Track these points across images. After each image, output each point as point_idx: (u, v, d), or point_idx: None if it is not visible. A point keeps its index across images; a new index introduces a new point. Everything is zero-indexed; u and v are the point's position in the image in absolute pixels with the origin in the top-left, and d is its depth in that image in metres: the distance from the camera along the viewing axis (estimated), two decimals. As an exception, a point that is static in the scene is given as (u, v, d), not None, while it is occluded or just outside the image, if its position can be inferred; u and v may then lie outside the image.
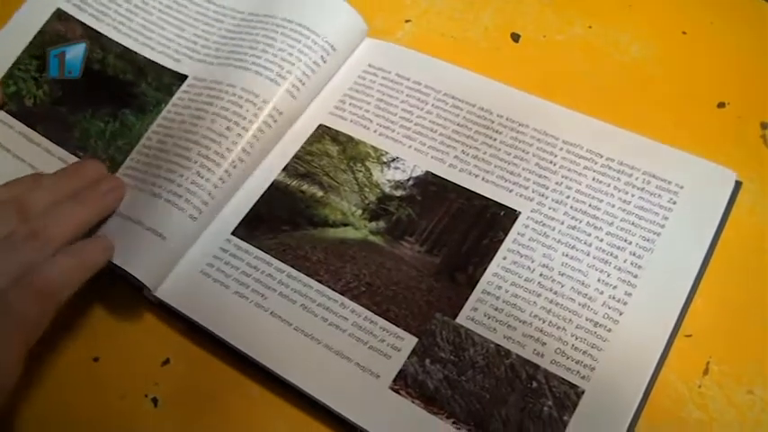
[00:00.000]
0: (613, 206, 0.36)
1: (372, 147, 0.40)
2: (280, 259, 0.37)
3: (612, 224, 0.35)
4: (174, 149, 0.40)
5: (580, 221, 0.36)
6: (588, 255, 0.35)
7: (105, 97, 0.43)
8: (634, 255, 0.34)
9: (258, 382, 0.35)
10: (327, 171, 0.40)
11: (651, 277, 0.34)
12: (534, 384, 0.32)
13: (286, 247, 0.38)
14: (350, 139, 0.41)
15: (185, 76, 0.43)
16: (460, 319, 0.34)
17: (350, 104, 0.42)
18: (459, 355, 0.33)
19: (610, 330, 0.33)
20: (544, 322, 0.33)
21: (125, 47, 0.45)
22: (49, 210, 0.35)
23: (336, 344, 0.34)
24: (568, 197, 0.37)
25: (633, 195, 0.36)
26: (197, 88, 0.42)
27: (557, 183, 0.37)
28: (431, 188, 0.39)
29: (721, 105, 0.40)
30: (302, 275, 0.36)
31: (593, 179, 0.37)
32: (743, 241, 0.36)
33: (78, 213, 0.35)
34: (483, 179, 0.38)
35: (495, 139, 0.39)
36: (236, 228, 0.39)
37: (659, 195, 0.36)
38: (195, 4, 0.46)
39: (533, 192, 0.37)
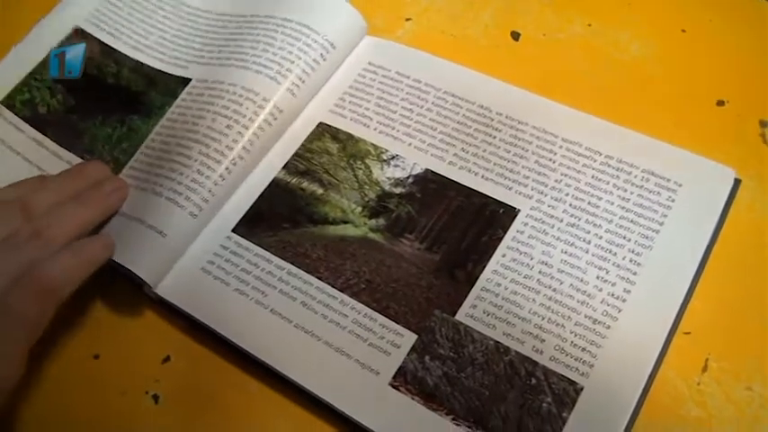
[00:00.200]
0: (612, 204, 0.36)
1: (372, 144, 0.41)
2: (280, 256, 0.37)
3: (611, 221, 0.36)
4: (176, 149, 0.40)
5: (579, 219, 0.36)
6: (587, 252, 0.35)
7: (116, 105, 0.44)
8: (633, 252, 0.35)
9: (258, 378, 0.35)
10: (327, 169, 0.40)
11: (650, 274, 0.34)
12: (533, 381, 0.32)
13: (286, 245, 0.38)
14: (350, 136, 0.41)
15: (189, 80, 0.44)
16: (460, 316, 0.34)
17: (350, 102, 0.42)
18: (459, 351, 0.33)
19: (609, 327, 0.33)
20: (543, 319, 0.33)
21: (138, 61, 0.46)
22: (52, 210, 0.35)
23: (336, 341, 0.34)
24: (567, 195, 0.37)
25: (632, 193, 0.36)
26: (199, 89, 0.42)
27: (556, 180, 0.37)
28: (430, 186, 0.39)
29: (720, 103, 0.40)
30: (302, 273, 0.37)
31: (593, 177, 0.37)
32: (742, 239, 0.36)
33: (81, 213, 0.36)
34: (482, 177, 0.38)
35: (494, 137, 0.39)
36: (236, 225, 0.39)
37: (658, 193, 0.36)
38: (206, 18, 0.47)
39: (533, 189, 0.37)
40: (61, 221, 0.34)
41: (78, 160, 0.42)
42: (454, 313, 0.34)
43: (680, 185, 0.36)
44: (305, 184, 0.40)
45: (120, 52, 0.46)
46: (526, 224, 0.36)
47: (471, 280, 0.35)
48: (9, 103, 0.44)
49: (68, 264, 0.33)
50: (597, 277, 0.34)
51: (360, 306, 0.35)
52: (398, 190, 0.39)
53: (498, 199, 0.37)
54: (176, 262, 0.37)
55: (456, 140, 0.40)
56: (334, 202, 0.39)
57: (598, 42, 0.44)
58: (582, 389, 0.31)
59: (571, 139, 0.39)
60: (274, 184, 0.40)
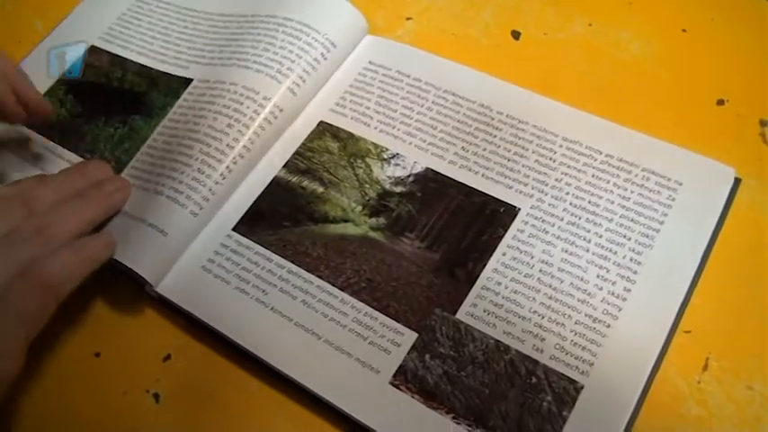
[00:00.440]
0: (613, 203, 0.36)
1: (373, 143, 0.41)
2: (280, 255, 0.37)
3: (612, 220, 0.36)
4: (177, 149, 0.40)
5: (579, 218, 0.36)
6: (587, 251, 0.35)
7: (119, 106, 0.44)
8: (633, 251, 0.35)
9: (259, 377, 0.35)
10: (328, 167, 0.40)
11: (650, 273, 0.34)
12: (533, 380, 0.32)
13: (286, 243, 0.38)
14: (350, 135, 0.41)
15: (191, 80, 0.44)
16: (460, 315, 0.34)
17: (350, 101, 0.42)
18: (459, 350, 0.33)
19: (609, 326, 0.33)
20: (543, 318, 0.33)
21: (142, 65, 0.46)
22: (54, 207, 0.35)
23: (337, 339, 0.34)
24: (568, 194, 0.37)
25: (632, 192, 0.36)
26: (200, 89, 0.43)
27: (556, 179, 0.37)
28: (431, 185, 0.39)
29: (721, 103, 0.40)
30: (303, 271, 0.37)
31: (593, 176, 0.37)
32: (742, 237, 0.36)
33: (83, 212, 0.36)
34: (483, 176, 0.38)
35: (495, 136, 0.39)
36: (236, 224, 0.39)
37: (659, 192, 0.36)
38: (208, 19, 0.47)
39: (533, 188, 0.37)
40: (63, 219, 0.35)
41: (79, 159, 0.42)
42: (455, 312, 0.34)
43: (680, 184, 0.36)
44: (305, 183, 0.40)
45: (127, 59, 0.47)
46: (526, 223, 0.36)
47: (471, 279, 0.35)
48: None
49: (69, 261, 0.33)
50: (597, 276, 0.34)
51: (360, 305, 0.35)
52: (399, 189, 0.39)
53: (498, 198, 0.37)
54: (177, 261, 0.37)
55: (456, 139, 0.40)
56: (335, 201, 0.39)
57: (599, 42, 0.44)
58: (582, 387, 0.31)
59: (571, 138, 0.39)
60: (275, 183, 0.40)
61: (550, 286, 0.34)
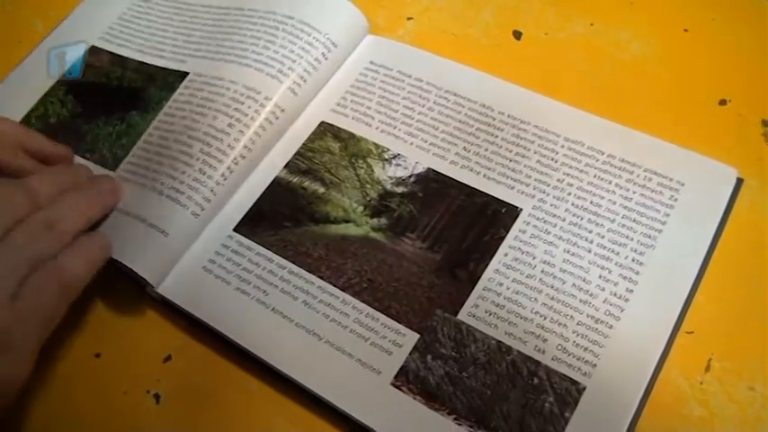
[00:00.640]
0: (615, 203, 0.36)
1: (374, 144, 0.41)
2: (281, 256, 0.37)
3: (614, 221, 0.36)
4: (175, 146, 0.40)
5: (581, 218, 0.36)
6: (589, 252, 0.35)
7: (118, 104, 0.44)
8: (635, 251, 0.34)
9: (260, 378, 0.35)
10: (329, 168, 0.40)
11: (652, 274, 0.34)
12: (535, 381, 0.32)
13: (287, 244, 0.38)
14: (351, 135, 0.41)
15: (186, 73, 0.43)
16: (462, 316, 0.34)
17: (351, 101, 0.42)
18: (461, 351, 0.33)
19: (611, 327, 0.33)
20: (545, 319, 0.33)
21: (141, 61, 0.46)
22: (56, 199, 0.35)
23: (338, 340, 0.34)
24: (570, 194, 0.37)
25: (634, 192, 0.36)
26: (197, 84, 0.42)
27: (558, 180, 0.37)
28: (432, 185, 0.39)
29: (723, 103, 0.40)
30: (304, 272, 0.37)
31: (595, 176, 0.37)
32: (744, 238, 0.36)
33: (84, 207, 0.35)
34: (484, 176, 0.38)
35: (496, 137, 0.39)
36: (237, 224, 0.39)
37: (660, 192, 0.36)
38: (206, 12, 0.47)
39: (535, 189, 0.37)
40: (69, 213, 0.34)
41: (79, 160, 0.42)
42: (456, 313, 0.34)
43: (682, 185, 0.36)
44: (306, 184, 0.40)
45: (126, 58, 0.47)
46: (528, 223, 0.36)
47: (473, 279, 0.35)
48: (26, 121, 0.45)
49: (81, 261, 0.33)
50: (599, 277, 0.34)
51: (361, 305, 0.35)
52: (400, 189, 0.39)
53: (500, 198, 0.37)
54: (178, 261, 0.37)
55: (458, 140, 0.40)
56: (336, 202, 0.39)
57: (600, 42, 0.44)
58: (584, 389, 0.31)
59: (573, 139, 0.38)
60: (276, 184, 0.40)
61: (552, 287, 0.34)
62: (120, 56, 0.47)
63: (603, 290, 0.34)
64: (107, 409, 0.35)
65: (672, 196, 0.36)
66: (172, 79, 0.44)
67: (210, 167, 0.38)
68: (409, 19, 0.47)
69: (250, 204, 0.39)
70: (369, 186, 0.39)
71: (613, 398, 0.31)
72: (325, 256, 0.37)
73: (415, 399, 0.32)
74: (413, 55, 0.44)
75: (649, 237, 0.35)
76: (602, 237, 0.35)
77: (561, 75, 0.43)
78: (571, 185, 0.37)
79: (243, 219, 0.39)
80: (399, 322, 0.34)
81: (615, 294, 0.33)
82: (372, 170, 0.40)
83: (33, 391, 0.36)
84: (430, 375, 0.33)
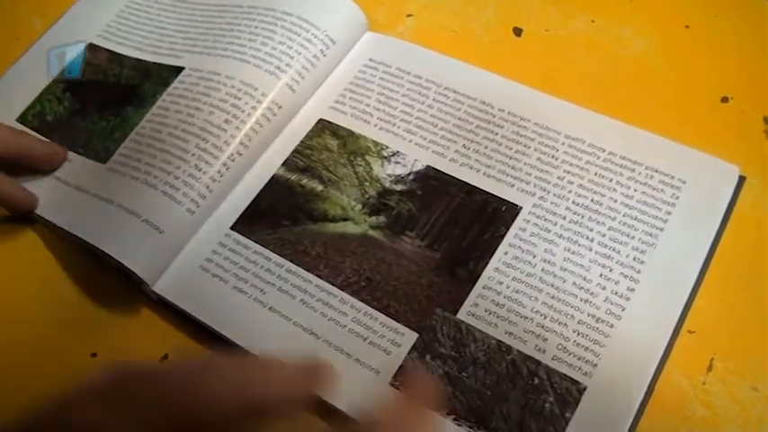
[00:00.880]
0: (616, 201, 0.36)
1: (373, 141, 0.40)
2: (279, 254, 0.37)
3: (615, 219, 0.35)
4: (169, 139, 0.39)
5: (582, 216, 0.36)
6: (590, 250, 0.34)
7: (114, 100, 0.44)
8: (636, 250, 0.34)
9: (257, 377, 0.34)
10: (327, 165, 0.40)
11: (654, 273, 0.33)
12: (536, 381, 0.32)
13: (285, 242, 0.37)
14: (350, 133, 0.41)
15: (182, 68, 0.43)
16: (461, 315, 0.34)
17: (350, 99, 0.42)
18: (460, 350, 0.33)
19: (612, 326, 0.32)
20: (546, 318, 0.33)
21: (138, 59, 0.46)
22: None
23: (336, 339, 0.34)
24: (570, 192, 0.36)
25: (636, 190, 0.36)
26: (193, 78, 0.42)
27: (558, 177, 0.37)
28: (431, 183, 0.38)
29: (725, 100, 0.40)
30: (302, 270, 0.36)
31: (596, 174, 0.37)
32: (746, 236, 0.35)
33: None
34: (484, 174, 0.38)
35: (496, 134, 0.39)
36: (235, 222, 0.38)
37: (662, 190, 0.36)
38: (203, 9, 0.47)
39: (535, 186, 0.37)
40: None
41: (73, 155, 0.42)
42: (455, 312, 0.34)
43: (684, 182, 0.36)
44: (304, 181, 0.40)
45: (124, 55, 0.46)
46: (528, 222, 0.36)
47: (473, 278, 0.35)
48: (23, 119, 0.45)
49: None
50: (600, 275, 0.34)
51: (360, 304, 0.35)
52: (399, 187, 0.39)
53: (500, 196, 0.37)
54: (174, 259, 0.37)
55: (457, 137, 0.39)
56: (334, 200, 0.39)
57: (601, 38, 0.43)
58: (585, 389, 0.31)
59: (574, 136, 0.38)
60: (274, 181, 0.40)
61: (553, 286, 0.34)
62: (117, 53, 0.46)
63: (604, 289, 0.33)
64: (103, 409, 0.35)
65: (673, 194, 0.35)
66: (167, 74, 0.44)
67: (206, 163, 0.38)
68: (409, 16, 0.46)
69: (247, 202, 0.39)
70: (367, 184, 0.39)
71: (614, 398, 0.31)
72: (323, 255, 0.37)
73: (413, 399, 0.32)
74: (412, 52, 0.43)
75: (650, 235, 0.34)
76: (603, 235, 0.35)
77: (562, 72, 0.42)
78: (572, 183, 0.37)
79: (240, 217, 0.38)
80: (398, 321, 0.34)
81: (616, 293, 0.33)
82: (371, 168, 0.39)
83: (29, 392, 0.36)
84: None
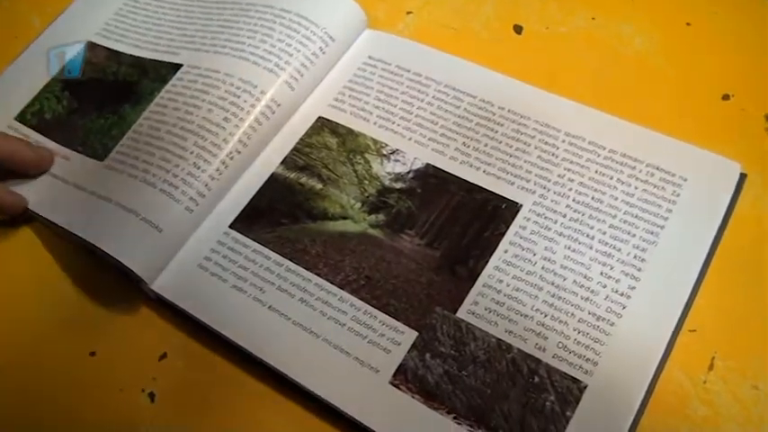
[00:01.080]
0: (616, 199, 0.36)
1: (372, 139, 0.40)
2: (278, 252, 0.37)
3: (615, 217, 0.35)
4: (167, 137, 0.39)
5: (583, 214, 0.35)
6: (591, 248, 0.34)
7: (112, 98, 0.44)
8: (637, 248, 0.34)
9: (256, 376, 0.34)
10: (326, 163, 0.40)
11: (654, 271, 0.33)
12: (536, 379, 0.31)
13: (284, 241, 0.37)
14: (349, 131, 0.41)
15: (180, 65, 0.43)
16: (461, 313, 0.33)
17: (349, 96, 0.42)
18: (460, 349, 0.33)
19: (613, 324, 0.32)
20: (546, 316, 0.33)
21: (136, 56, 0.46)
22: None
23: (335, 338, 0.34)
24: (571, 190, 0.36)
25: (636, 188, 0.36)
26: (191, 75, 0.42)
27: (559, 175, 0.37)
28: (431, 181, 0.38)
29: (726, 97, 0.40)
30: (301, 269, 0.36)
31: (596, 171, 0.37)
32: (747, 234, 0.35)
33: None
34: (484, 172, 0.38)
35: (496, 132, 0.39)
36: (233, 221, 0.38)
37: (663, 188, 0.36)
38: (202, 5, 0.47)
39: (535, 184, 0.37)
40: None
41: (74, 154, 0.42)
42: (455, 310, 0.34)
43: (685, 180, 0.36)
44: (304, 180, 0.39)
45: (122, 53, 0.46)
46: (528, 219, 0.36)
47: (473, 276, 0.34)
48: (21, 117, 0.45)
49: None
50: (601, 273, 0.34)
51: (359, 303, 0.35)
52: (398, 185, 0.38)
53: (500, 194, 0.37)
54: (172, 258, 0.37)
55: (457, 135, 0.39)
56: (334, 198, 0.39)
57: (601, 36, 0.43)
58: (586, 387, 0.31)
59: (574, 134, 0.38)
60: (273, 180, 0.39)
61: (553, 284, 0.34)
62: (115, 51, 0.46)
63: (605, 287, 0.33)
64: (102, 408, 0.35)
65: (674, 192, 0.35)
66: (164, 71, 0.43)
67: (205, 161, 0.38)
68: (409, 13, 0.46)
69: (246, 201, 0.39)
70: (367, 182, 0.39)
71: (615, 396, 0.31)
72: (322, 253, 0.37)
73: (413, 398, 0.32)
74: (412, 49, 0.43)
75: (651, 233, 0.34)
76: (604, 233, 0.35)
77: (562, 69, 0.42)
78: (572, 181, 0.36)
79: (239, 215, 0.38)
80: (398, 320, 0.34)
81: (617, 291, 0.33)
82: (370, 166, 0.39)
83: (28, 390, 0.36)
84: (429, 374, 0.32)
